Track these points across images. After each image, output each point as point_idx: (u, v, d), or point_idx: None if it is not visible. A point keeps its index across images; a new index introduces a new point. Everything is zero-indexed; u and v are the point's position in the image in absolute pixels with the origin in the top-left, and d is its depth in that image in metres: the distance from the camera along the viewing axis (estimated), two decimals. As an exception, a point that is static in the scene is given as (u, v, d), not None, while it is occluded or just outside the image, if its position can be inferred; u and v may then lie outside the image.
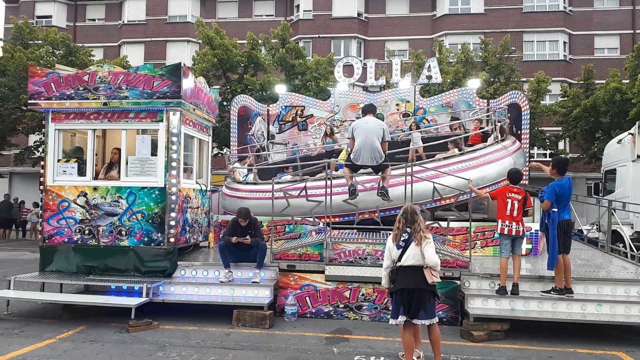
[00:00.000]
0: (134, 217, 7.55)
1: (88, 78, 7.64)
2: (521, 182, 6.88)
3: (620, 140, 12.89)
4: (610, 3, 29.12)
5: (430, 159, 9.74)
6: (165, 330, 6.55)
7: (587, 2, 29.04)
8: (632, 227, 11.80)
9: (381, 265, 7.11)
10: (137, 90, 7.52)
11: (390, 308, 6.94)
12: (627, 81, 18.87)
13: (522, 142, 11.95)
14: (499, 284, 6.72)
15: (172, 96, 7.45)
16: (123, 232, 7.58)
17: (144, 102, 7.52)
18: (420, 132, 12.86)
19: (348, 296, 7.34)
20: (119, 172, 7.90)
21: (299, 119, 14.99)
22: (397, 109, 14.77)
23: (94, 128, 7.84)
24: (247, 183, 10.85)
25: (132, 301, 6.77)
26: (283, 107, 14.97)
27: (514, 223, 6.58)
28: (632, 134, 12.05)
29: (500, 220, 6.66)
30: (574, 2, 29.02)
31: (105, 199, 7.64)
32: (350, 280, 7.35)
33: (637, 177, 11.81)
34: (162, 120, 7.55)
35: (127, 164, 7.74)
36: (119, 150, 7.95)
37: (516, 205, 6.58)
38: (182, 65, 7.54)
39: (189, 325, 6.74)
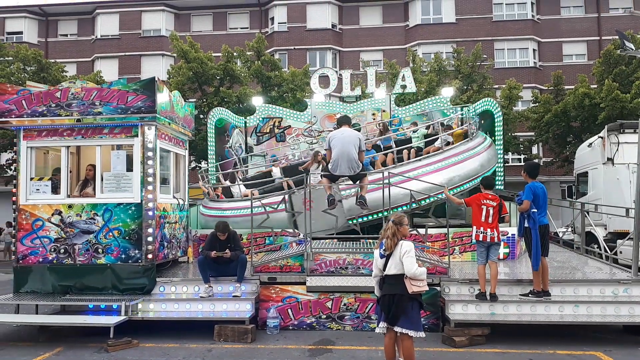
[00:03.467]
0: (111, 234, 7.44)
1: (60, 94, 7.54)
2: (494, 187, 7.00)
3: (591, 144, 13.19)
4: (577, 11, 29.97)
5: (405, 162, 10.00)
6: (146, 349, 6.43)
7: (555, 10, 29.83)
8: (605, 228, 12.04)
9: (362, 275, 7.22)
10: (111, 106, 7.45)
11: (372, 317, 7.02)
12: (595, 86, 19.41)
13: (496, 148, 12.18)
14: (479, 289, 6.82)
15: (146, 111, 7.40)
16: (100, 250, 7.45)
17: (119, 117, 7.45)
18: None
19: (330, 306, 7.33)
20: (94, 188, 7.78)
21: (276, 130, 15.01)
22: (374, 119, 14.90)
23: (67, 145, 7.72)
24: (229, 201, 10.84)
25: (111, 320, 6.65)
26: (260, 119, 14.98)
27: (488, 229, 6.66)
28: (601, 138, 12.33)
29: (475, 227, 6.77)
30: (542, 11, 29.78)
31: (80, 216, 7.51)
32: (332, 291, 7.35)
33: (608, 179, 12.08)
34: (137, 135, 7.48)
35: (102, 180, 7.63)
36: (93, 166, 7.84)
37: (491, 211, 6.69)
38: (156, 79, 7.50)
39: (170, 343, 6.64)
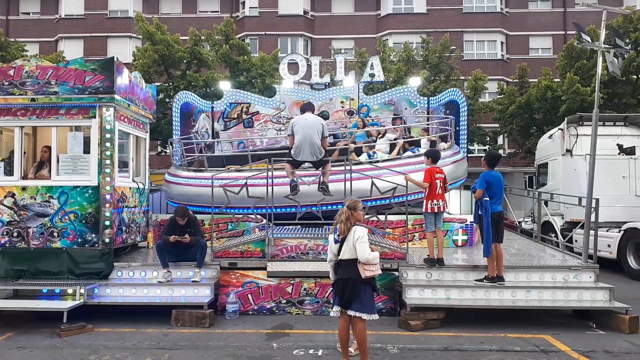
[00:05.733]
0: (67, 217, 7.27)
1: (14, 72, 7.29)
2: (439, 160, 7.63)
3: (551, 135, 13.52)
4: (544, 5, 30.55)
5: (374, 160, 9.98)
6: (100, 334, 6.34)
7: (523, 4, 30.31)
8: (562, 218, 12.43)
9: (323, 260, 7.26)
10: (68, 86, 7.24)
11: (331, 301, 7.07)
12: (558, 80, 19.86)
13: (460, 138, 12.36)
14: (427, 255, 7.26)
15: (105, 91, 7.23)
16: (55, 234, 7.28)
17: (75, 97, 7.26)
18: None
19: (290, 291, 7.36)
20: (49, 170, 7.57)
21: (244, 116, 14.82)
22: (342, 107, 14.91)
23: (21, 125, 7.49)
24: (190, 170, 10.70)
25: (64, 304, 6.52)
26: (228, 104, 14.77)
27: (440, 200, 7.19)
28: (561, 130, 12.66)
29: (430, 200, 7.16)
30: (510, 4, 30.21)
31: (35, 199, 7.31)
32: (293, 276, 7.39)
33: (566, 170, 12.43)
34: (94, 117, 7.30)
35: (58, 162, 7.43)
36: (49, 148, 7.61)
37: (441, 184, 7.21)
38: (116, 59, 7.31)
39: (126, 327, 6.56)
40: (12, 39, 23.08)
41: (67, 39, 30.65)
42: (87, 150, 7.41)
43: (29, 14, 31.89)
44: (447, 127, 11.66)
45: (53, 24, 31.13)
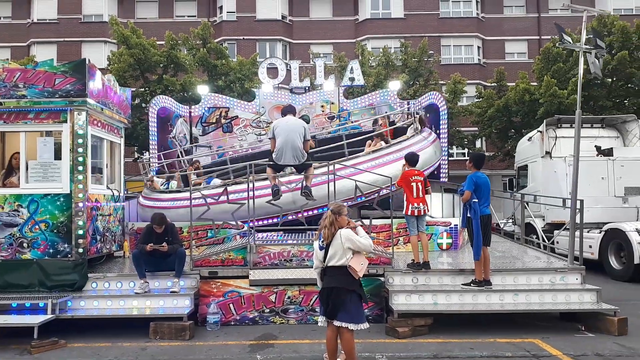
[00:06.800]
0: (37, 227, 6.93)
1: (-21, 75, 6.92)
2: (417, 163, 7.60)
3: (530, 138, 13.60)
4: (518, 10, 31.03)
5: (357, 155, 9.88)
6: (74, 349, 6.01)
7: (498, 9, 30.73)
8: (543, 219, 12.47)
9: (307, 267, 7.06)
10: (37, 89, 6.91)
11: (316, 309, 6.87)
12: (535, 83, 20.10)
13: (440, 140, 12.32)
14: (412, 260, 7.14)
15: (76, 95, 6.92)
16: (25, 244, 6.94)
17: (45, 101, 6.93)
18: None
19: (274, 300, 7.13)
20: (19, 178, 7.21)
21: (223, 121, 14.58)
22: (323, 111, 14.78)
23: (-13, 130, 7.13)
24: (170, 191, 10.41)
25: (35, 319, 6.17)
26: (206, 108, 14.50)
27: (420, 204, 7.12)
28: (540, 132, 12.72)
29: (410, 204, 7.10)
30: (486, 9, 30.59)
31: (2, 208, 6.95)
32: (276, 284, 7.15)
33: (546, 172, 12.48)
34: (66, 121, 6.98)
35: (27, 169, 7.08)
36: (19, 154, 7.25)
37: (420, 186, 7.13)
38: (87, 61, 7.02)
39: (101, 342, 6.23)
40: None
41: (40, 44, 29.93)
42: (58, 156, 7.08)
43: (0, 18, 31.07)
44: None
45: (25, 29, 30.37)
